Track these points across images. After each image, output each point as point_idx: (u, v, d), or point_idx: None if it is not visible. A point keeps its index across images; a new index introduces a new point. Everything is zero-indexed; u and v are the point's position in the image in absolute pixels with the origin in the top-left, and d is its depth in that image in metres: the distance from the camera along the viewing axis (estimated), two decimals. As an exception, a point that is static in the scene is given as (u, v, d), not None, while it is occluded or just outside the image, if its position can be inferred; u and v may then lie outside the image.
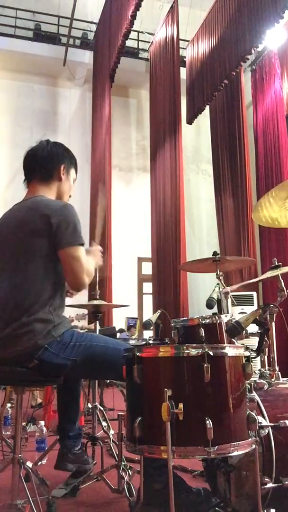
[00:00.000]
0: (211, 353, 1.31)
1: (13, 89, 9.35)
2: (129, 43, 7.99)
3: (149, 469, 1.53)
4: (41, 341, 1.61)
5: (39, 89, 9.63)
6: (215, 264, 2.24)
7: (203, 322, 1.71)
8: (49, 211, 1.69)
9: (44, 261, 1.68)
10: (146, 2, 6.81)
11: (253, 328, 1.90)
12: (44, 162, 1.87)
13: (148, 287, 8.84)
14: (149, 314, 8.37)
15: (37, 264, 1.68)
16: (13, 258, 1.71)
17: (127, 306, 3.22)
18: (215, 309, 2.11)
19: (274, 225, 2.29)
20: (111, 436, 2.39)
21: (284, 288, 1.87)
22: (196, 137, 10.14)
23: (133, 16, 6.85)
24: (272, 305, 1.77)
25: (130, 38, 7.64)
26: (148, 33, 9.44)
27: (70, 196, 2.01)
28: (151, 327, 2.23)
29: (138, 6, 6.66)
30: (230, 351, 1.37)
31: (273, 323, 1.82)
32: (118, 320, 7.74)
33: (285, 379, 1.78)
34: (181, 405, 1.25)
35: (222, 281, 2.22)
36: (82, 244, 1.71)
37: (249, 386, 1.50)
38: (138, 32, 9.51)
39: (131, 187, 9.71)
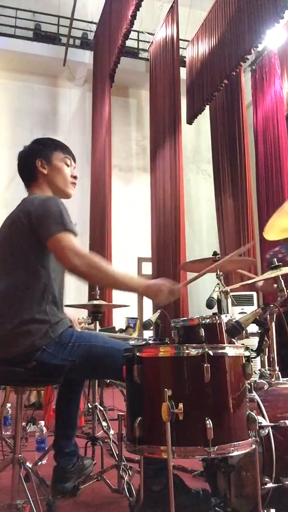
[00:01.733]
0: (211, 353, 1.31)
1: (13, 89, 9.34)
2: (129, 43, 7.99)
3: (148, 470, 1.53)
4: (38, 342, 1.60)
5: (39, 89, 9.63)
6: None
7: (203, 322, 1.71)
8: (32, 208, 1.67)
9: (32, 260, 1.66)
10: (146, 2, 6.81)
11: (253, 328, 1.90)
12: (23, 169, 1.89)
13: (148, 287, 8.83)
14: (149, 314, 8.36)
15: (26, 263, 1.67)
16: (6, 258, 1.71)
17: (127, 306, 3.23)
18: (215, 309, 2.11)
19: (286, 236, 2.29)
20: (111, 436, 2.39)
21: (284, 288, 1.87)
22: (196, 137, 10.14)
23: (133, 16, 6.85)
24: (272, 305, 1.78)
25: (130, 38, 7.63)
26: (148, 33, 9.43)
27: (76, 178, 1.91)
28: (151, 327, 2.23)
29: (138, 6, 6.66)
30: (230, 351, 1.37)
31: (273, 323, 1.82)
32: (118, 320, 7.74)
33: (285, 379, 1.78)
34: (181, 405, 1.25)
35: (222, 281, 2.22)
36: (70, 230, 1.61)
37: (249, 386, 1.50)
38: (138, 32, 9.51)
39: (131, 187, 9.71)
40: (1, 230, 1.79)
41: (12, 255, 1.69)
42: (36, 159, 1.85)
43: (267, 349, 1.87)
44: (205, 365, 1.28)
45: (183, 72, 8.46)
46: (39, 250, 1.66)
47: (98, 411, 2.46)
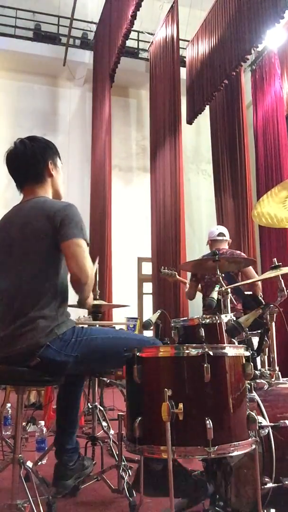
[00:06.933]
0: (211, 353, 1.31)
1: (13, 89, 9.34)
2: (129, 43, 7.98)
3: None
4: (43, 340, 1.61)
5: (39, 89, 9.63)
6: (215, 264, 2.24)
7: (203, 322, 1.71)
8: (54, 211, 1.70)
9: (49, 260, 1.69)
10: (146, 2, 6.80)
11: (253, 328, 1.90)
12: (32, 165, 1.84)
13: (148, 287, 8.84)
14: (149, 314, 8.36)
15: (42, 262, 1.69)
16: (20, 256, 1.72)
17: (127, 306, 3.23)
18: (215, 309, 2.11)
19: (274, 225, 2.29)
20: (111, 436, 2.39)
21: (284, 288, 1.87)
22: (196, 137, 10.14)
23: (133, 16, 6.84)
24: (272, 305, 1.78)
25: (130, 38, 7.62)
26: (148, 33, 9.43)
27: None
28: (151, 327, 2.23)
29: (138, 6, 6.65)
30: (230, 351, 1.37)
31: (273, 323, 1.82)
32: (118, 320, 7.73)
33: (285, 379, 1.78)
34: (181, 405, 1.25)
35: (222, 281, 2.22)
36: (87, 242, 1.70)
37: (249, 386, 1.50)
38: (138, 32, 9.50)
39: (131, 187, 9.71)
40: (9, 230, 1.78)
41: (30, 254, 1.70)
42: (49, 159, 1.86)
43: (267, 349, 1.87)
44: (205, 365, 1.28)
45: (183, 72, 8.44)
46: (55, 253, 1.69)
47: (98, 411, 2.46)
